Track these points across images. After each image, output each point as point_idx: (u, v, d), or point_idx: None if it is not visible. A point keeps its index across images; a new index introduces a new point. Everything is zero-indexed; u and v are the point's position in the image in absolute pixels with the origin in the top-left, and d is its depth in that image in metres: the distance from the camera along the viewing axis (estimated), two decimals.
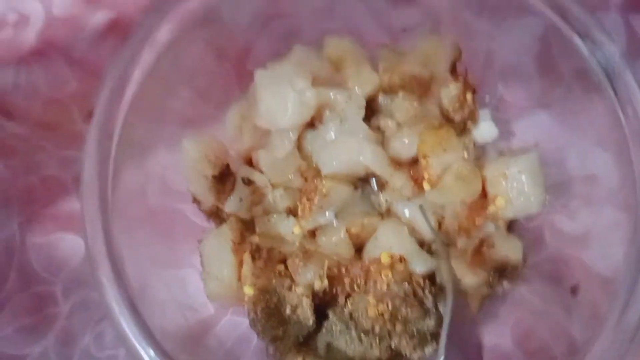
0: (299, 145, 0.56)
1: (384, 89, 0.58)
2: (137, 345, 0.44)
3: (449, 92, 0.57)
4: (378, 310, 0.49)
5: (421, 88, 0.57)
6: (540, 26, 0.50)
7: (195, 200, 0.59)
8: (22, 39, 0.55)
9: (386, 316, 0.49)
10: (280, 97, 0.51)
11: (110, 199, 0.47)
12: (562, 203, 0.55)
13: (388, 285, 0.49)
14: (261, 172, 0.56)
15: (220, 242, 0.54)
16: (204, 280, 0.54)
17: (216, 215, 0.60)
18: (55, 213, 0.60)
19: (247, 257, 0.53)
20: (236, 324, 0.55)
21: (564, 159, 0.55)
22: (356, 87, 0.56)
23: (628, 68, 0.45)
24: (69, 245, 0.59)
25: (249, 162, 0.58)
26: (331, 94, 0.54)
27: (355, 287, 0.51)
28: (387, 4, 0.59)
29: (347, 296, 0.51)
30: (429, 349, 0.51)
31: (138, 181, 0.53)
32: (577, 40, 0.47)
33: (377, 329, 0.49)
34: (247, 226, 0.57)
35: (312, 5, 0.58)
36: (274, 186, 0.55)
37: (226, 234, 0.55)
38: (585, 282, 0.50)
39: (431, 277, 0.52)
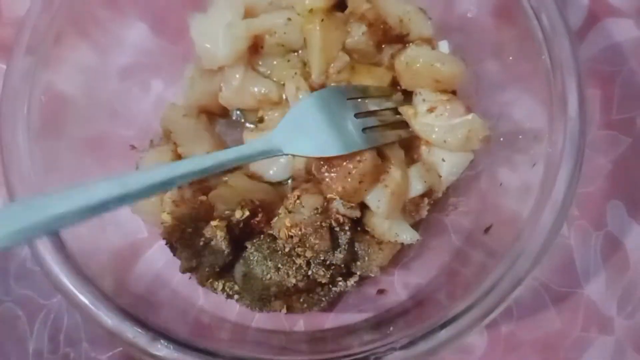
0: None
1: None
2: (56, 270, 0.45)
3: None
4: (288, 233, 0.49)
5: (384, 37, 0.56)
6: None
7: None
8: None
9: (295, 240, 0.49)
10: (211, 35, 0.53)
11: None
12: (506, 155, 0.55)
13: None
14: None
15: (158, 159, 0.55)
16: None
17: None
18: None
19: None
20: (167, 249, 0.54)
21: (512, 114, 0.55)
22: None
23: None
24: None
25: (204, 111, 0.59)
26: (269, 17, 0.54)
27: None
28: None
29: (266, 231, 0.51)
30: (350, 282, 0.52)
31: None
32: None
33: (287, 248, 0.49)
34: None
35: None
36: None
37: (166, 152, 0.56)
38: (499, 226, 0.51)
39: (356, 220, 0.52)
